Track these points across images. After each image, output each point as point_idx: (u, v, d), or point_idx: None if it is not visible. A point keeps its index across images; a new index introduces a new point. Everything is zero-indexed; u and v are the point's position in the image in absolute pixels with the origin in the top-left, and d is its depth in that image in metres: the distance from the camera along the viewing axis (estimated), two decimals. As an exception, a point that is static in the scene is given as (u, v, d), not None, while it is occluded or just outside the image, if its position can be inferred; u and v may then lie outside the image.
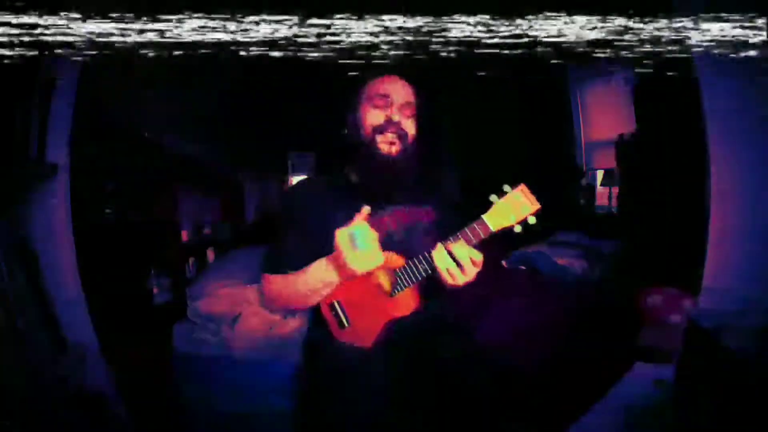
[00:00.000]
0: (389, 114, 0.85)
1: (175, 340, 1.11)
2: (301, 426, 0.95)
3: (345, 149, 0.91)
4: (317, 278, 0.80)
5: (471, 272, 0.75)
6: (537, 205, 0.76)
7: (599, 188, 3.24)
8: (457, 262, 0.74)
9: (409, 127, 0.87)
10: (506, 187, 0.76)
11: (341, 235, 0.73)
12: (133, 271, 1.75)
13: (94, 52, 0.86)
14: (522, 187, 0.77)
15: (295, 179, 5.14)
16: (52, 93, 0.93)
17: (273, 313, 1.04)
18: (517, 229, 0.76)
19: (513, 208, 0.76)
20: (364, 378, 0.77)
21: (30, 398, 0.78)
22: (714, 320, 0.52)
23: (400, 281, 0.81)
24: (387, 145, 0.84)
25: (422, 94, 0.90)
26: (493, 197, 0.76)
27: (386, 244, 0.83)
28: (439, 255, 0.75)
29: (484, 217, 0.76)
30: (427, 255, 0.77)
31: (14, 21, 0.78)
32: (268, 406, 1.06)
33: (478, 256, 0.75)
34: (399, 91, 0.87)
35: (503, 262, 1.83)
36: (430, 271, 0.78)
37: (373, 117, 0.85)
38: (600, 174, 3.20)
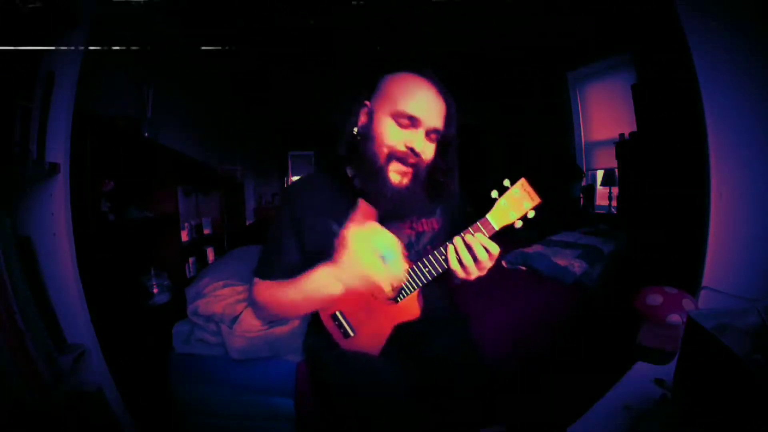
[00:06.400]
0: (413, 142, 0.74)
1: (175, 340, 1.11)
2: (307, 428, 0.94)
3: (351, 152, 0.80)
4: (317, 289, 0.71)
5: (486, 265, 0.73)
6: (537, 200, 0.74)
7: (599, 188, 3.24)
8: (473, 254, 0.71)
9: (429, 152, 0.78)
10: (506, 182, 0.74)
11: (364, 246, 0.63)
12: (133, 270, 1.75)
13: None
14: (522, 181, 0.74)
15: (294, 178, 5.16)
16: (51, 92, 0.93)
17: (265, 321, 1.03)
18: (518, 224, 0.74)
19: (514, 203, 0.74)
20: (376, 381, 0.75)
21: (30, 398, 0.78)
22: (714, 320, 0.52)
23: (408, 284, 0.77)
24: (399, 175, 0.76)
25: (453, 105, 0.79)
26: (494, 193, 0.74)
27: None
28: (453, 248, 0.72)
29: (488, 216, 0.74)
30: (442, 250, 0.75)
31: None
32: (268, 406, 1.06)
33: (495, 249, 0.72)
34: (432, 112, 0.75)
35: (503, 263, 1.83)
36: (443, 268, 0.75)
37: (393, 138, 0.75)
38: (600, 174, 3.20)
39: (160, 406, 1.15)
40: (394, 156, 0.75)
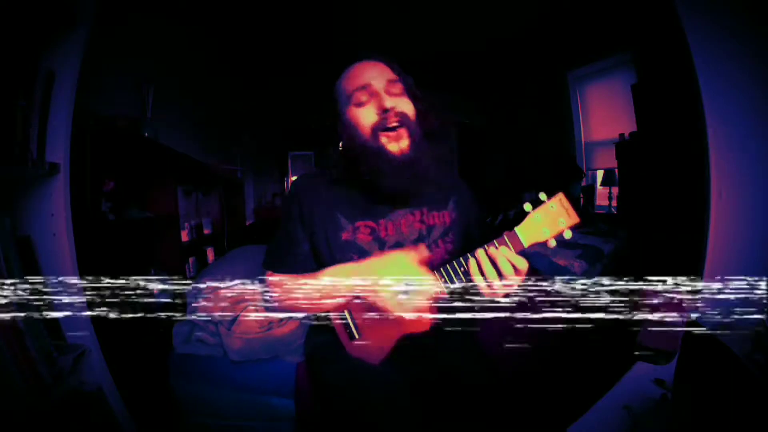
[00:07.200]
0: (380, 103, 0.75)
1: (175, 340, 1.11)
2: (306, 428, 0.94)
3: (349, 162, 0.80)
4: (334, 283, 0.74)
5: (513, 282, 0.67)
6: (575, 218, 0.66)
7: (599, 188, 3.24)
8: (498, 270, 0.65)
9: (405, 106, 0.77)
10: (542, 195, 0.66)
11: (395, 267, 0.69)
12: (133, 270, 1.74)
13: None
14: (560, 196, 0.66)
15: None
16: (51, 92, 0.93)
17: (273, 313, 1.04)
18: (552, 243, 0.66)
19: (548, 220, 0.66)
20: (375, 384, 0.74)
21: (30, 398, 0.78)
22: (714, 320, 0.52)
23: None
24: (395, 143, 0.75)
25: (396, 65, 0.81)
26: (527, 206, 0.66)
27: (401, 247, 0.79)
28: (475, 263, 0.67)
29: (516, 230, 0.67)
30: (462, 261, 0.69)
31: None
32: (268, 406, 1.06)
33: (523, 264, 0.65)
34: (373, 71, 0.78)
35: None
36: (464, 280, 0.69)
37: (365, 116, 0.76)
38: (600, 174, 3.20)
39: (160, 406, 1.15)
40: (377, 128, 0.75)
